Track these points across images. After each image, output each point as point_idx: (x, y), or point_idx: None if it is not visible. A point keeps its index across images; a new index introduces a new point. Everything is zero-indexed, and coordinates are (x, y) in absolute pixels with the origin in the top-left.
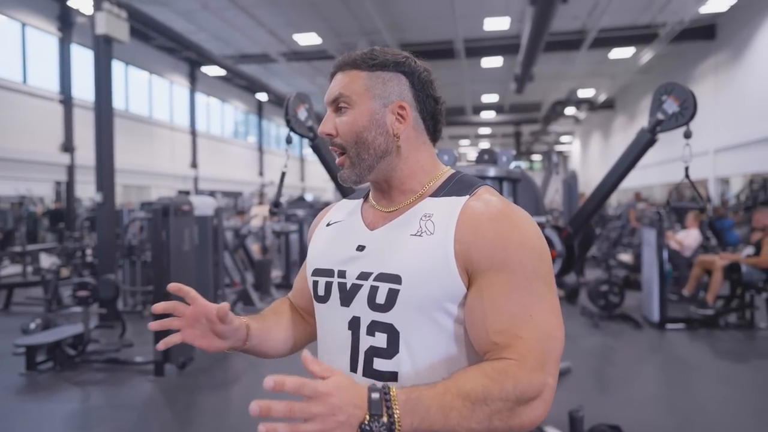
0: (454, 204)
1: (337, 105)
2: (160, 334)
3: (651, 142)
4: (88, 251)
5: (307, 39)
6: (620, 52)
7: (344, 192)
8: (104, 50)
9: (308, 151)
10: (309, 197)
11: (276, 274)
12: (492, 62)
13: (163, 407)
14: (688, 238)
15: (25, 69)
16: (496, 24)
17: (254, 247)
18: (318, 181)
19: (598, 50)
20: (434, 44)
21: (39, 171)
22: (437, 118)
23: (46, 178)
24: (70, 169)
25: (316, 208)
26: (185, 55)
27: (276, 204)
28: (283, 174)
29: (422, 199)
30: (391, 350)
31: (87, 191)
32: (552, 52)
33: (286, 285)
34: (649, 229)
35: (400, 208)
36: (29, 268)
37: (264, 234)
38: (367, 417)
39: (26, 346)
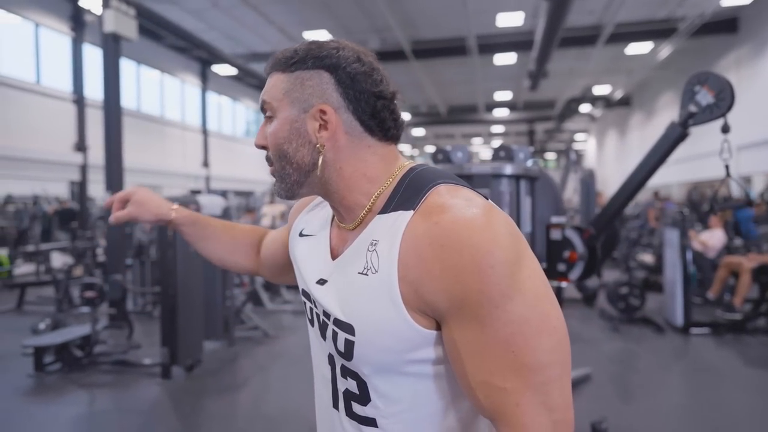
0: (398, 225)
1: (266, 114)
2: (167, 336)
3: (682, 136)
4: (100, 251)
5: (318, 37)
6: (637, 48)
7: None
8: (112, 48)
9: None
10: None
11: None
12: (505, 59)
13: (169, 411)
14: (712, 238)
15: (39, 69)
16: (510, 20)
17: None
18: None
19: (614, 46)
20: (446, 41)
21: (53, 170)
22: (381, 115)
23: (60, 178)
24: (83, 169)
25: None
26: (196, 54)
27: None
28: None
29: (372, 216)
30: (363, 397)
31: (100, 190)
32: (567, 48)
33: (296, 285)
34: (671, 229)
35: (356, 226)
36: (42, 268)
37: None
38: None
39: (34, 347)
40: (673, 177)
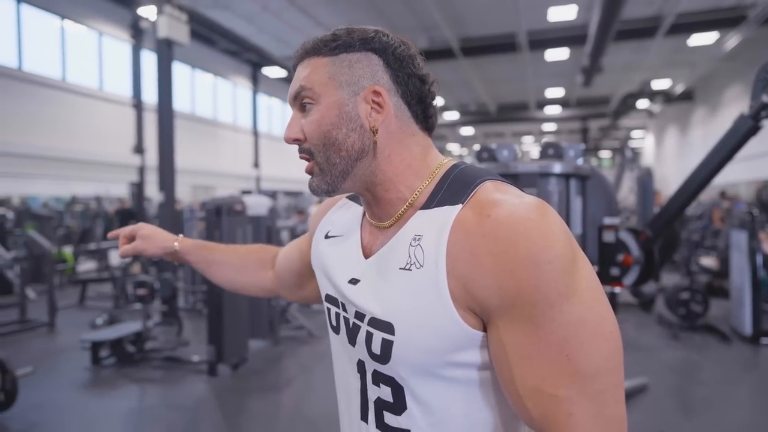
0: (445, 218)
1: (301, 102)
2: (213, 335)
3: (753, 129)
4: None
5: None
6: (701, 38)
7: None
8: (166, 53)
9: None
10: None
11: None
12: (557, 54)
13: (214, 409)
14: None
15: (102, 75)
16: (562, 13)
17: None
18: None
19: (675, 37)
20: (495, 38)
21: (114, 172)
22: (426, 101)
23: (120, 179)
24: (141, 170)
25: None
26: (247, 57)
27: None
28: None
29: (413, 211)
30: (398, 405)
31: (156, 191)
32: (623, 42)
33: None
34: (738, 230)
35: (393, 224)
36: (102, 265)
37: None
38: None
39: (91, 342)
40: (740, 175)
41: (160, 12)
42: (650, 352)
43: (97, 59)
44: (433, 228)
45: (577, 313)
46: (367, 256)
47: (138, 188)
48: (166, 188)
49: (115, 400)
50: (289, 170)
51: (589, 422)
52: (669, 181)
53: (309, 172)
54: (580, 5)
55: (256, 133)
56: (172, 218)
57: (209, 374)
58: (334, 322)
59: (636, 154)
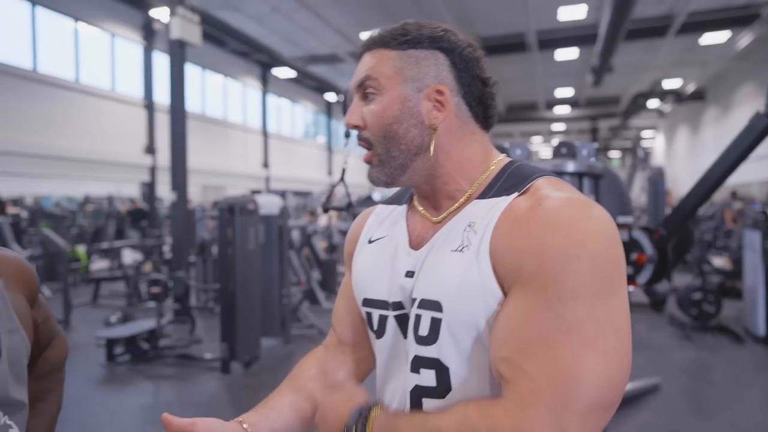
0: (498, 206)
1: (364, 91)
2: (226, 333)
3: None
4: (166, 248)
5: None
6: (713, 37)
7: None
8: (178, 54)
9: None
10: (377, 196)
11: (341, 270)
12: (567, 54)
13: (227, 405)
14: None
15: (114, 76)
16: (572, 13)
17: (321, 246)
18: None
19: (686, 36)
20: (505, 38)
21: (125, 172)
22: (487, 102)
23: (132, 179)
24: (153, 170)
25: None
26: (257, 58)
27: (348, 205)
28: (344, 171)
29: (469, 202)
30: (440, 389)
31: (167, 191)
32: (634, 41)
33: None
34: (751, 231)
35: (448, 215)
36: (115, 264)
37: (331, 232)
38: (344, 430)
39: (106, 339)
40: (753, 175)
41: (172, 13)
42: (662, 352)
43: (109, 60)
44: (486, 215)
45: (586, 315)
46: (417, 247)
47: (149, 188)
48: (178, 188)
49: (130, 396)
50: (298, 170)
51: (543, 409)
52: (680, 181)
53: (368, 161)
54: (590, 4)
55: (265, 134)
56: (184, 218)
57: (222, 371)
58: (376, 326)
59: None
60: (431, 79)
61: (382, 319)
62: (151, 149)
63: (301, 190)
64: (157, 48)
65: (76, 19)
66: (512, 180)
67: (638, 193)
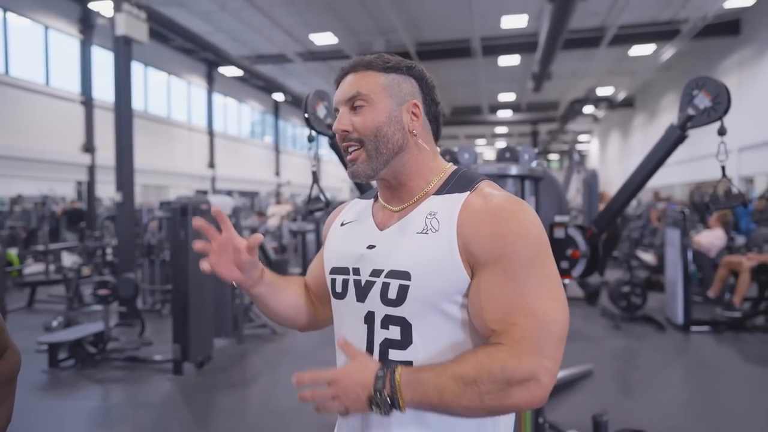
0: (456, 200)
1: (353, 104)
2: (179, 333)
3: (681, 138)
4: (109, 250)
5: (324, 39)
6: (641, 49)
7: (362, 190)
8: (124, 51)
9: (324, 151)
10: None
11: (293, 272)
12: (509, 60)
13: (181, 406)
14: (708, 238)
15: (48, 71)
16: (514, 22)
17: (270, 246)
18: (334, 181)
19: (617, 47)
20: (451, 43)
21: (61, 171)
22: (438, 120)
23: (67, 178)
24: (91, 169)
25: (333, 206)
26: (203, 56)
27: (327, 204)
28: (314, 173)
29: (427, 197)
30: (404, 341)
31: (107, 191)
32: (570, 50)
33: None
34: (672, 229)
35: (408, 206)
36: (51, 267)
37: (281, 233)
38: (372, 393)
39: (49, 344)
40: (676, 178)
41: (118, 9)
42: (594, 341)
43: (43, 54)
44: (445, 207)
45: (540, 276)
46: (382, 229)
47: (88, 188)
48: (124, 188)
49: (77, 401)
50: (245, 170)
51: (531, 349)
52: (612, 182)
53: (353, 159)
54: (530, 14)
55: (211, 133)
56: (130, 219)
57: (174, 373)
58: (339, 289)
59: (583, 156)
60: (409, 96)
61: (345, 282)
62: (89, 147)
63: (248, 191)
64: (96, 43)
65: (5, 9)
66: (462, 181)
67: (574, 194)
